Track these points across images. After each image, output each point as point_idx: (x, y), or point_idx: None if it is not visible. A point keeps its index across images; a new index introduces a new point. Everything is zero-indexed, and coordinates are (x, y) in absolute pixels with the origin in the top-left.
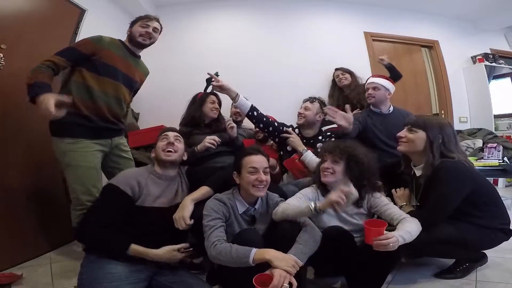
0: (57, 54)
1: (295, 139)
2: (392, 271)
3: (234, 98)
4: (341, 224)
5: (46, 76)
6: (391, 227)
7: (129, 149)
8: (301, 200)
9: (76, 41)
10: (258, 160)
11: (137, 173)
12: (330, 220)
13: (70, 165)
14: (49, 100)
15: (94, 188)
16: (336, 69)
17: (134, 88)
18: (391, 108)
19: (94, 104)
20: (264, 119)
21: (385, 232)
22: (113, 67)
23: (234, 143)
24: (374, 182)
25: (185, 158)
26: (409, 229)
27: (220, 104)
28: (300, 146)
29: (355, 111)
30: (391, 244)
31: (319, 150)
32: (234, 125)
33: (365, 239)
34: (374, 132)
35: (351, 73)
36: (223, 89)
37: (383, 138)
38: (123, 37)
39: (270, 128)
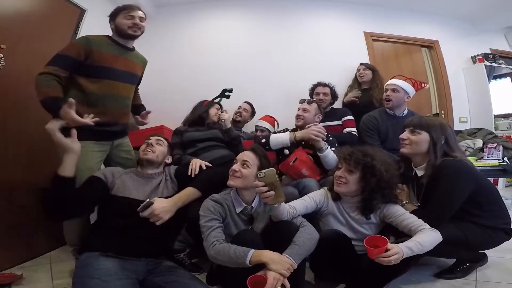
0: (49, 64)
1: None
2: (394, 278)
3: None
4: (350, 232)
5: (52, 88)
6: (407, 237)
7: (131, 149)
8: (306, 202)
9: None
10: (241, 153)
11: (114, 168)
12: (339, 228)
13: None
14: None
15: None
16: (361, 64)
17: (136, 81)
18: (405, 111)
19: (96, 110)
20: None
21: (389, 245)
22: (109, 67)
23: (229, 133)
24: (390, 193)
25: (168, 161)
26: (421, 240)
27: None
28: (321, 142)
29: (353, 94)
30: (393, 261)
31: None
32: (225, 116)
33: (368, 255)
34: (384, 134)
35: (373, 70)
36: None
37: (391, 141)
38: None
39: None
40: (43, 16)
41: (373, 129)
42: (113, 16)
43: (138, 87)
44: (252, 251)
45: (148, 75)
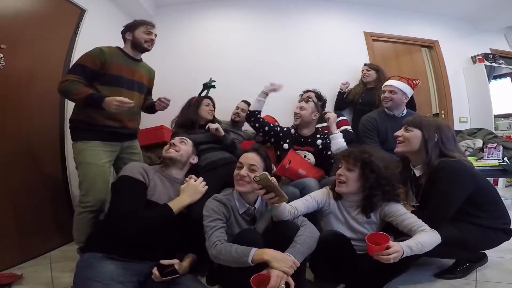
0: (70, 73)
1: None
2: (393, 278)
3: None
4: (349, 232)
5: (84, 88)
6: (407, 236)
7: (140, 152)
8: (307, 202)
9: (76, 41)
10: (246, 156)
11: (142, 165)
12: (339, 228)
13: (81, 163)
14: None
15: (99, 183)
16: (364, 64)
17: (144, 91)
18: (405, 111)
19: (109, 114)
20: (261, 120)
21: (390, 243)
22: (121, 76)
23: (223, 141)
24: (390, 191)
25: (194, 161)
26: (421, 240)
27: (214, 106)
28: (334, 125)
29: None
30: (391, 260)
31: (320, 146)
32: (215, 125)
33: (368, 252)
34: (383, 135)
35: (378, 70)
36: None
37: (390, 142)
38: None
39: (266, 128)
40: (43, 16)
41: (373, 130)
42: (131, 28)
43: (151, 96)
44: (254, 249)
45: (155, 73)
